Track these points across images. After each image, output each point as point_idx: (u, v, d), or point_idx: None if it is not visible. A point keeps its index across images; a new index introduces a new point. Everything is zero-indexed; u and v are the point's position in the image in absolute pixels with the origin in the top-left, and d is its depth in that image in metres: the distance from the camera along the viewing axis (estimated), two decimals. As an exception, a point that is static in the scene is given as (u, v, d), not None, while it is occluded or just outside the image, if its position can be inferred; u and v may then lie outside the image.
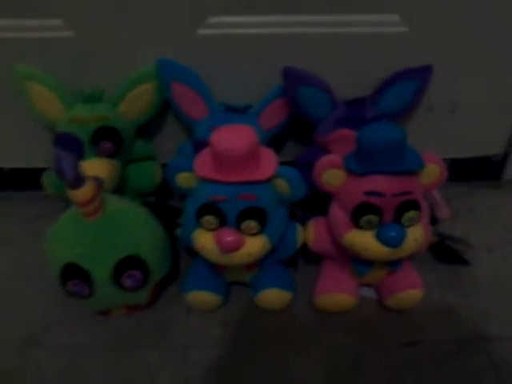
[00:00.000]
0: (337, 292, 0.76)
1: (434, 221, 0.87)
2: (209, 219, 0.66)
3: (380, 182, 0.65)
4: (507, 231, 0.92)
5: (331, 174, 0.68)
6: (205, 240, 0.67)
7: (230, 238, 0.65)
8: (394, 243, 0.66)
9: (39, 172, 0.85)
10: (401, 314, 0.78)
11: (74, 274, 0.68)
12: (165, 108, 0.86)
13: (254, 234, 0.67)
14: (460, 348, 0.74)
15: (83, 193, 0.64)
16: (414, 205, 0.66)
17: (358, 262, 0.74)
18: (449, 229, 0.89)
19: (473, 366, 0.72)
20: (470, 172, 1.00)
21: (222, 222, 0.66)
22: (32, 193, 0.96)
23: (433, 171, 0.68)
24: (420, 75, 0.81)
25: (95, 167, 0.75)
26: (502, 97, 0.89)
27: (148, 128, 0.87)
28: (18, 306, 0.80)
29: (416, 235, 0.67)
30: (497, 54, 0.83)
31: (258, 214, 0.66)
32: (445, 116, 0.90)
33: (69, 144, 0.74)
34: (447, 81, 0.84)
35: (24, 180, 0.98)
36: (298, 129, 0.88)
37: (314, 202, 0.78)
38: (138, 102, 0.81)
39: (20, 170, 0.96)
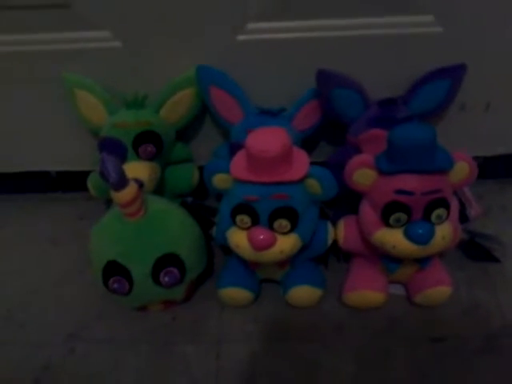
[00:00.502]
0: (366, 289, 0.78)
1: (465, 218, 0.88)
2: (242, 218, 0.69)
3: (409, 181, 0.66)
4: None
5: (362, 173, 0.69)
6: (239, 238, 0.70)
7: (262, 237, 0.68)
8: (423, 241, 0.67)
9: (84, 175, 0.90)
10: (429, 311, 0.79)
11: (115, 272, 0.72)
12: (203, 112, 0.89)
13: (286, 233, 0.69)
14: (488, 345, 0.75)
15: (126, 194, 0.68)
16: (442, 203, 0.68)
17: (387, 260, 0.75)
18: (480, 227, 0.89)
19: (501, 363, 0.73)
20: (502, 170, 1.00)
21: (255, 221, 0.69)
22: (77, 194, 1.01)
23: (463, 169, 0.69)
24: (453, 74, 0.82)
25: (137, 170, 0.79)
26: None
27: (187, 131, 0.91)
28: (62, 303, 0.85)
29: (444, 233, 0.69)
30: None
31: (290, 214, 0.68)
32: (478, 115, 0.90)
33: (113, 148, 0.80)
34: (481, 78, 0.84)
35: (69, 182, 1.03)
36: (331, 129, 0.90)
37: (346, 202, 0.80)
38: (178, 106, 0.85)
39: (66, 172, 1.01)
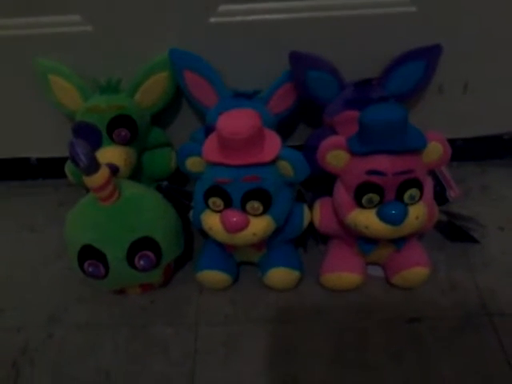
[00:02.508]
0: (343, 271, 0.78)
1: (444, 200, 0.88)
2: (215, 201, 0.69)
3: (381, 161, 0.66)
4: (520, 210, 0.92)
5: (334, 154, 0.69)
6: (212, 221, 0.70)
7: (234, 219, 0.68)
8: (395, 221, 0.67)
9: (64, 161, 0.89)
10: (407, 292, 0.79)
11: (90, 256, 0.72)
12: (179, 96, 0.89)
13: (259, 215, 0.69)
14: (465, 324, 0.75)
15: (97, 179, 0.68)
16: (415, 183, 0.68)
17: (362, 241, 0.76)
18: (461, 208, 0.89)
19: (478, 342, 0.73)
20: (483, 151, 1.00)
21: (228, 204, 0.69)
22: (57, 181, 1.01)
23: (436, 149, 0.69)
24: (428, 55, 0.81)
25: (112, 154, 0.79)
26: (516, 74, 0.88)
27: (163, 116, 0.91)
28: (40, 288, 0.85)
29: (418, 213, 0.69)
30: (507, 31, 0.82)
31: (262, 195, 0.68)
32: (456, 96, 0.90)
33: (86, 132, 0.80)
34: (458, 59, 0.84)
35: (50, 169, 1.03)
36: (308, 111, 0.89)
37: (325, 184, 0.79)
38: (152, 90, 0.84)
39: (46, 159, 1.01)
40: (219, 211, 0.70)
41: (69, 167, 0.87)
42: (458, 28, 0.81)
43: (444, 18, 0.80)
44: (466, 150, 0.97)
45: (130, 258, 0.72)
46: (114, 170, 0.77)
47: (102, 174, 0.68)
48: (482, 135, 0.96)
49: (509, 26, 0.81)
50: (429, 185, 0.72)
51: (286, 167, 0.69)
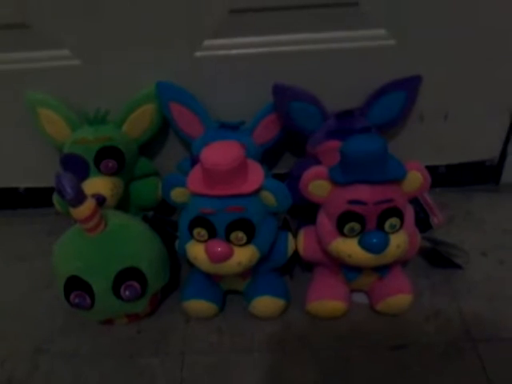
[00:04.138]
0: (328, 298, 0.78)
1: (428, 226, 0.89)
2: (199, 231, 0.70)
3: (362, 191, 0.68)
4: (503, 235, 0.93)
5: (317, 184, 0.71)
6: (196, 251, 0.71)
7: (219, 249, 0.69)
8: (376, 250, 0.69)
9: (52, 190, 0.90)
10: (392, 319, 0.80)
11: (76, 286, 0.73)
12: (166, 127, 0.91)
13: (243, 245, 0.70)
14: (450, 350, 0.76)
15: (83, 210, 0.69)
16: (395, 212, 0.69)
17: (347, 269, 0.77)
18: (444, 234, 0.91)
19: (463, 369, 0.73)
20: (466, 177, 1.02)
21: (212, 234, 0.70)
22: (47, 210, 1.01)
23: (415, 179, 0.70)
24: (408, 85, 0.84)
25: (99, 185, 0.81)
26: (495, 101, 0.90)
27: (150, 146, 0.92)
28: (27, 318, 0.85)
29: (399, 241, 0.70)
30: (487, 58, 0.84)
31: (246, 226, 0.69)
32: (437, 124, 0.92)
33: (73, 164, 0.81)
34: (438, 89, 0.86)
35: (38, 198, 1.04)
36: (292, 141, 0.91)
37: (311, 212, 0.81)
38: (139, 122, 0.86)
39: (34, 189, 1.03)
40: (204, 241, 0.71)
41: (56, 197, 0.88)
42: (436, 59, 0.84)
43: (422, 50, 0.83)
44: (448, 177, 0.98)
45: (115, 288, 0.73)
46: (100, 200, 0.78)
47: (88, 205, 0.69)
48: (464, 162, 0.98)
49: (486, 57, 0.84)
50: (409, 213, 0.73)
51: (268, 197, 0.71)
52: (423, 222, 0.88)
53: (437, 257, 0.87)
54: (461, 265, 0.86)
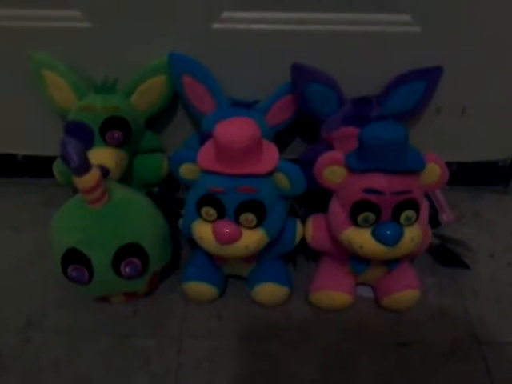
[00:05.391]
0: (333, 289, 0.76)
1: (436, 223, 0.87)
2: (208, 210, 0.67)
3: (379, 180, 0.65)
4: (511, 237, 0.91)
5: (332, 170, 0.69)
6: (203, 231, 0.68)
7: (227, 230, 0.66)
8: (390, 242, 0.66)
9: (52, 160, 0.87)
10: (396, 315, 0.78)
11: (74, 259, 0.70)
12: (175, 101, 0.87)
13: (252, 228, 0.68)
14: (454, 351, 0.74)
15: (88, 180, 0.66)
16: (412, 204, 0.67)
17: (355, 261, 0.74)
18: (452, 232, 0.88)
19: (466, 370, 0.72)
20: (476, 177, 1.00)
21: (221, 214, 0.67)
22: (44, 180, 0.98)
23: (433, 171, 0.68)
24: (428, 76, 0.81)
25: (103, 156, 0.77)
26: (512, 101, 0.88)
27: (157, 120, 0.89)
28: (20, 291, 0.82)
29: (413, 235, 0.68)
30: (508, 58, 0.82)
31: (257, 207, 0.67)
32: (454, 119, 0.90)
33: (78, 132, 0.78)
34: (458, 82, 0.84)
35: (37, 167, 1.00)
36: (305, 126, 0.88)
37: (318, 200, 0.78)
38: (149, 93, 0.83)
39: (33, 157, 0.99)
40: (212, 221, 0.68)
41: (57, 166, 0.85)
42: (459, 52, 0.81)
43: (447, 41, 0.80)
44: (460, 175, 0.96)
45: (115, 264, 0.70)
46: (104, 171, 0.75)
47: (93, 175, 0.66)
48: (477, 161, 0.96)
49: (509, 53, 0.82)
50: (425, 207, 0.71)
51: (282, 180, 0.68)
52: (432, 219, 0.86)
53: (445, 254, 0.85)
54: (468, 264, 0.85)
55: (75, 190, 0.71)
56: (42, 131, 0.92)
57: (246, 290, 0.80)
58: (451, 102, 0.87)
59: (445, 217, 0.88)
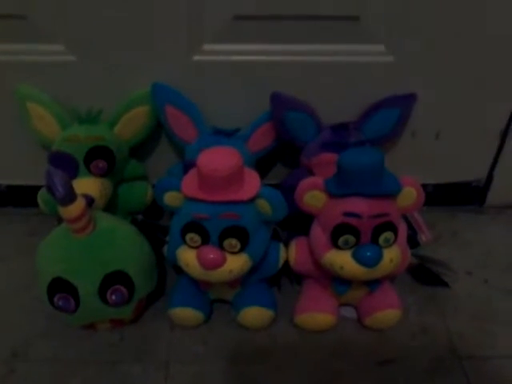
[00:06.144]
0: (317, 311, 0.78)
1: (415, 244, 0.89)
2: (192, 237, 0.69)
3: (358, 204, 0.68)
4: (488, 255, 0.94)
5: (312, 195, 0.70)
6: (188, 257, 0.70)
7: (211, 256, 0.68)
8: (370, 263, 0.68)
9: (36, 189, 0.87)
10: (379, 334, 0.80)
11: (60, 288, 0.70)
12: (158, 130, 0.89)
13: (236, 253, 0.69)
14: (436, 367, 0.76)
15: (73, 209, 0.66)
16: (390, 226, 0.69)
17: (337, 282, 0.76)
18: (430, 252, 0.91)
19: (449, 385, 0.74)
20: (452, 197, 1.03)
21: (205, 240, 0.69)
22: (28, 210, 0.99)
23: (410, 194, 0.71)
24: (403, 103, 0.84)
25: (88, 185, 0.78)
26: (485, 123, 0.91)
27: (141, 149, 0.91)
28: (5, 321, 0.82)
29: (392, 256, 0.70)
30: (480, 82, 0.86)
31: (240, 233, 0.68)
32: (429, 142, 0.93)
33: (62, 162, 0.79)
34: (432, 107, 0.87)
35: (20, 197, 1.00)
36: (285, 152, 0.91)
37: (300, 224, 0.80)
38: (132, 123, 0.84)
39: (17, 186, 0.99)
40: (196, 247, 0.69)
41: (42, 196, 0.85)
42: (431, 79, 0.85)
43: (419, 69, 0.83)
44: (436, 195, 0.99)
45: (102, 292, 0.71)
46: (89, 201, 0.76)
47: (78, 205, 0.67)
48: (452, 181, 0.99)
49: (479, 81, 0.86)
50: (402, 228, 0.73)
51: (264, 206, 0.70)
52: (411, 239, 0.88)
53: (424, 273, 0.87)
54: (447, 283, 0.87)
55: (60, 220, 0.71)
56: (26, 161, 0.93)
57: (231, 314, 0.80)
58: (426, 126, 0.91)
59: (423, 237, 0.90)
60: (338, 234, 0.69)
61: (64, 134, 0.81)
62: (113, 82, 0.83)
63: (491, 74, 0.85)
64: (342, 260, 0.69)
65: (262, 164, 0.88)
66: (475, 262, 0.92)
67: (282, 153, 0.92)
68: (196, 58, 0.81)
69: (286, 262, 0.79)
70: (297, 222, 0.81)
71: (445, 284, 0.87)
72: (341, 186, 0.68)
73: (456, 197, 1.03)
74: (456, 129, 0.92)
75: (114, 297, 0.71)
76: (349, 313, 0.82)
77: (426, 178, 0.96)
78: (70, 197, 0.66)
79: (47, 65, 0.82)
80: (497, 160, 0.97)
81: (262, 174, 0.94)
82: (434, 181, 0.98)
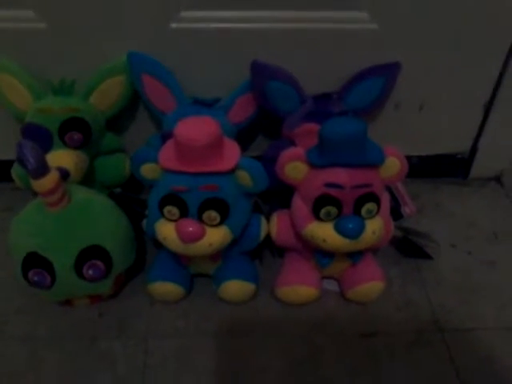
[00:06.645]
0: (299, 284, 0.77)
1: (399, 216, 0.88)
2: (171, 209, 0.67)
3: (339, 175, 0.66)
4: (471, 227, 0.94)
5: (293, 166, 0.69)
6: (167, 230, 0.68)
7: (190, 229, 0.66)
8: (352, 235, 0.67)
9: (9, 164, 0.85)
10: (361, 306, 0.79)
11: (35, 264, 0.68)
12: (135, 101, 0.86)
13: (216, 225, 0.68)
14: (419, 339, 0.76)
15: (46, 182, 0.64)
16: (372, 197, 0.68)
17: (319, 255, 0.75)
18: (414, 224, 0.90)
19: (431, 357, 0.74)
20: (436, 169, 1.02)
21: (184, 213, 0.67)
22: (1, 185, 0.96)
23: (393, 165, 0.69)
24: (387, 72, 0.83)
25: (62, 158, 0.76)
26: (470, 95, 0.90)
27: (118, 121, 0.88)
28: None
29: (375, 228, 0.69)
30: (465, 53, 0.84)
31: (220, 205, 0.67)
32: (412, 114, 0.92)
33: (36, 134, 0.76)
34: (415, 78, 0.86)
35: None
36: (266, 123, 0.89)
37: (282, 197, 0.79)
38: (108, 94, 0.82)
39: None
40: (175, 220, 0.68)
41: (16, 170, 0.83)
42: (417, 48, 0.83)
43: (404, 38, 0.81)
44: (420, 167, 0.98)
45: (78, 267, 0.69)
46: (64, 174, 0.73)
47: (52, 177, 0.65)
48: (436, 153, 0.98)
49: (464, 51, 0.84)
50: (385, 200, 0.72)
51: (244, 177, 0.68)
52: (394, 211, 0.88)
53: (407, 246, 0.87)
54: (431, 255, 0.87)
55: (35, 194, 0.69)
56: (-1, 135, 0.90)
57: (212, 288, 0.79)
58: (410, 97, 0.89)
59: (407, 209, 0.90)
60: (320, 205, 0.68)
61: (37, 106, 0.78)
62: (86, 51, 0.80)
63: (476, 45, 0.83)
64: (324, 232, 0.68)
65: (243, 135, 0.86)
66: (459, 234, 0.92)
67: (264, 124, 0.90)
68: (173, 25, 0.78)
69: (268, 235, 0.78)
70: (278, 195, 0.80)
71: (428, 256, 0.86)
72: (322, 156, 0.67)
73: (440, 169, 1.02)
74: (440, 101, 0.91)
75: (90, 271, 0.70)
76: (331, 286, 0.82)
77: (411, 149, 0.95)
78: (42, 169, 0.63)
79: (16, 32, 0.78)
80: (481, 133, 0.96)
81: (244, 145, 0.92)
82: (417, 153, 0.98)
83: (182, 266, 0.78)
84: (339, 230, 0.67)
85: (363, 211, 0.68)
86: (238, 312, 0.78)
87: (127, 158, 0.88)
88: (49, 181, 0.64)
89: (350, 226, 0.67)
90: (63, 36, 0.79)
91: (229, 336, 0.76)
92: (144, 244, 0.86)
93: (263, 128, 0.92)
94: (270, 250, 0.86)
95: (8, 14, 0.77)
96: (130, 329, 0.76)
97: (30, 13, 0.77)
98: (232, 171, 0.67)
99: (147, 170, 0.69)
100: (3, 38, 0.79)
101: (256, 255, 0.84)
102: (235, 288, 0.77)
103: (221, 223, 0.68)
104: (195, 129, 0.65)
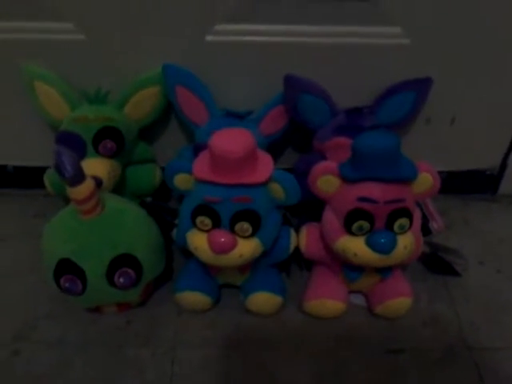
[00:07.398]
0: (327, 298, 0.77)
1: (427, 232, 0.88)
2: (203, 220, 0.67)
3: (373, 189, 0.66)
4: (500, 244, 0.92)
5: (326, 179, 0.69)
6: (198, 240, 0.68)
7: (222, 239, 0.66)
8: (384, 250, 0.67)
9: (42, 171, 0.86)
10: (389, 322, 0.79)
11: (67, 270, 0.69)
12: (168, 112, 0.88)
13: (247, 237, 0.68)
14: (446, 357, 0.75)
15: (82, 190, 0.65)
16: (405, 212, 0.67)
17: (348, 269, 0.75)
18: (442, 240, 0.90)
19: (458, 375, 0.73)
20: (465, 185, 1.01)
21: (216, 224, 0.67)
22: (34, 191, 0.98)
23: (426, 180, 0.69)
24: (419, 87, 0.82)
25: (96, 166, 0.77)
26: (501, 111, 0.90)
27: (150, 131, 0.89)
28: (9, 303, 0.81)
29: (406, 243, 0.68)
30: (497, 68, 0.84)
31: (252, 217, 0.67)
32: (443, 128, 0.91)
33: (70, 142, 0.77)
34: (447, 93, 0.86)
35: (27, 178, 0.99)
36: (297, 136, 0.89)
37: (311, 210, 0.79)
38: (142, 104, 0.83)
39: (23, 168, 0.98)
40: (206, 231, 0.68)
41: (49, 177, 0.84)
42: (449, 63, 0.83)
43: (436, 52, 0.81)
44: (449, 183, 0.97)
45: (109, 274, 0.70)
46: (97, 182, 0.74)
47: (88, 185, 0.66)
48: (466, 169, 0.98)
49: (497, 67, 0.84)
50: (417, 215, 0.72)
51: (277, 190, 0.68)
52: (423, 227, 0.87)
53: (436, 262, 0.86)
54: (459, 272, 0.86)
55: (67, 201, 0.70)
56: (33, 141, 0.92)
57: (239, 299, 0.80)
58: (441, 112, 0.89)
59: (435, 225, 0.89)
60: (352, 219, 0.67)
61: (73, 115, 0.79)
62: (123, 62, 0.82)
63: (508, 62, 0.83)
64: (356, 246, 0.68)
65: (274, 148, 0.87)
66: (487, 251, 0.91)
67: (295, 136, 0.90)
68: (208, 38, 0.79)
69: (296, 248, 0.78)
70: (307, 208, 0.80)
71: (456, 273, 0.86)
72: (355, 170, 0.67)
73: (469, 185, 1.01)
74: (470, 116, 0.90)
75: (121, 279, 0.70)
76: (358, 300, 0.81)
77: (440, 165, 0.93)
78: (78, 177, 0.64)
79: (56, 43, 0.80)
80: (511, 148, 0.95)
81: (274, 158, 0.92)
82: (447, 168, 0.97)
83: (210, 277, 0.78)
84: (371, 244, 0.67)
85: (396, 226, 0.67)
86: (264, 324, 0.78)
87: (158, 168, 0.89)
88: (85, 189, 0.65)
89: (383, 240, 0.67)
90: (101, 48, 0.80)
91: (255, 348, 0.76)
92: (172, 253, 0.87)
93: (294, 141, 0.93)
94: (298, 263, 0.86)
95: (49, 26, 0.79)
96: (158, 337, 0.76)
97: (70, 25, 0.78)
98: (265, 183, 0.68)
99: (180, 181, 0.70)
100: (43, 49, 0.80)
101: (284, 268, 0.84)
102: (263, 300, 0.77)
103: (252, 235, 0.68)
104: (230, 141, 0.66)
